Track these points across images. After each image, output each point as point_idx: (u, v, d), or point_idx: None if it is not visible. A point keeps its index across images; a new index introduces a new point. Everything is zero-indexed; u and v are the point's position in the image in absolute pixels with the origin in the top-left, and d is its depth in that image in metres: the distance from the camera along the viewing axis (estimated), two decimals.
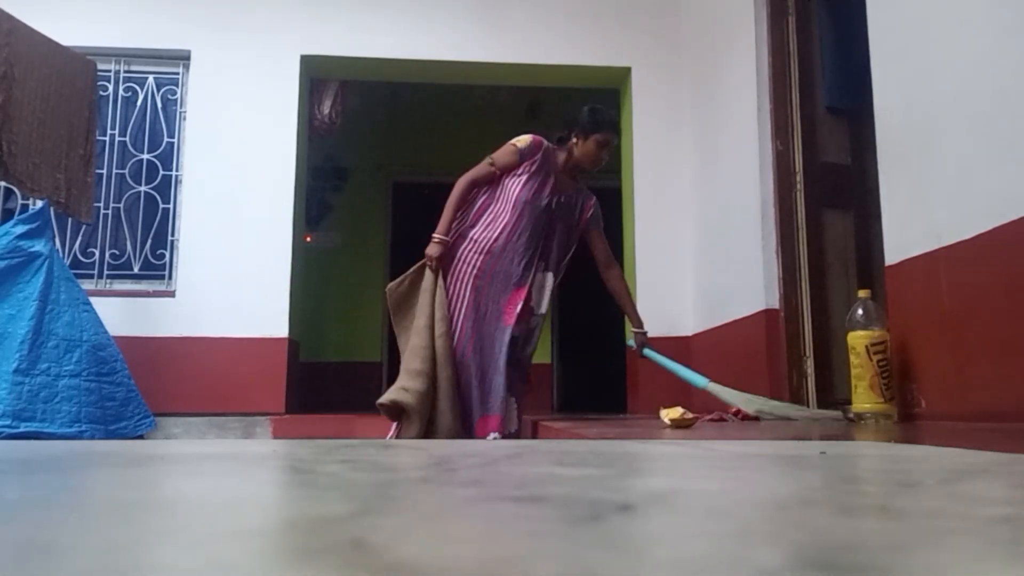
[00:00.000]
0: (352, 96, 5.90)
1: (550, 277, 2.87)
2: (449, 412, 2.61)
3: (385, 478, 0.89)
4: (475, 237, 2.78)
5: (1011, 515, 0.58)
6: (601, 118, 2.83)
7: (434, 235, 2.77)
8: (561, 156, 2.87)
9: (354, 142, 6.52)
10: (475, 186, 2.82)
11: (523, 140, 2.83)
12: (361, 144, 6.65)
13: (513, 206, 2.77)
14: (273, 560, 0.44)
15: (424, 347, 2.63)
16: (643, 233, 4.78)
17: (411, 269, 2.81)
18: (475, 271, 2.75)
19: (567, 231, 2.90)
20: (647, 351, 3.07)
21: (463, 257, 2.78)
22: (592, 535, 0.49)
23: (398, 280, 2.81)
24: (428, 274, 2.74)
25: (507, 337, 2.74)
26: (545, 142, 2.86)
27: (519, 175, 2.80)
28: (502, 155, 2.82)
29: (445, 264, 2.77)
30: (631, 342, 3.15)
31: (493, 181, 2.83)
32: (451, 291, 2.76)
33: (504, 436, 2.73)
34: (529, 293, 2.80)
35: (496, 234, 2.77)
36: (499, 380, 2.71)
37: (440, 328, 2.65)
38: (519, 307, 2.76)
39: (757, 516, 0.60)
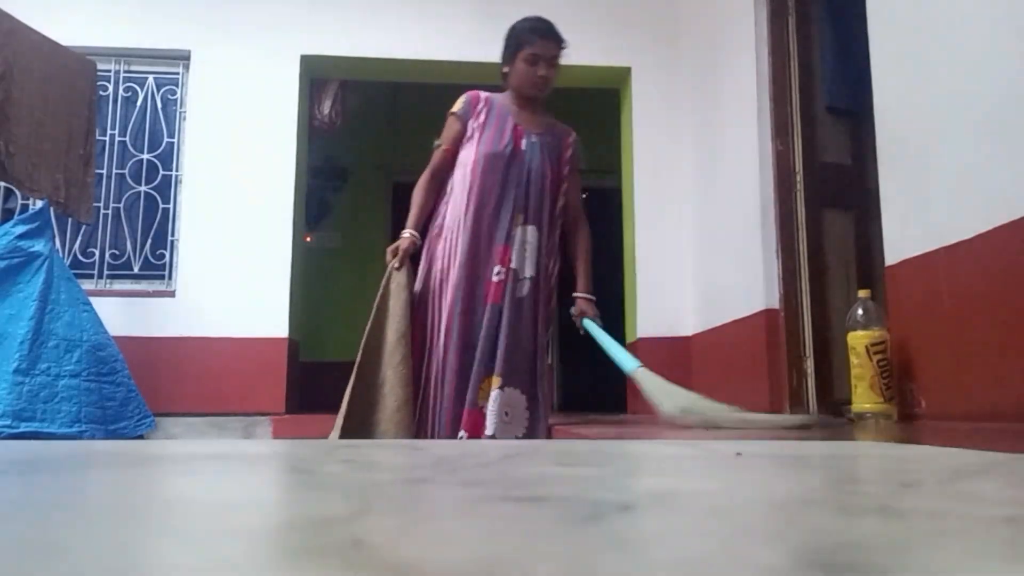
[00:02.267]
0: (352, 96, 5.89)
1: (532, 231, 2.42)
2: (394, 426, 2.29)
3: (385, 478, 0.89)
4: (448, 223, 2.46)
5: (1011, 515, 0.58)
6: (520, 32, 2.47)
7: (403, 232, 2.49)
8: (507, 96, 2.56)
9: (354, 142, 6.51)
10: (435, 176, 2.54)
11: (457, 104, 2.55)
12: (361, 144, 6.65)
13: (474, 166, 2.43)
14: (273, 560, 0.44)
15: (356, 383, 2.41)
16: (643, 233, 4.78)
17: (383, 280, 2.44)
18: (456, 256, 2.40)
19: (546, 173, 2.47)
20: (587, 322, 2.54)
21: (446, 252, 2.44)
22: (592, 535, 0.49)
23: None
24: (394, 279, 2.41)
25: (485, 318, 2.35)
26: (483, 93, 2.57)
27: (471, 138, 2.49)
28: (445, 130, 2.57)
29: (425, 261, 2.49)
30: (573, 310, 2.60)
31: (452, 162, 2.55)
32: (432, 287, 2.44)
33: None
34: (509, 254, 2.38)
35: (466, 199, 2.41)
36: (477, 369, 2.33)
37: (396, 354, 2.33)
38: (502, 274, 2.36)
39: (757, 516, 0.60)
